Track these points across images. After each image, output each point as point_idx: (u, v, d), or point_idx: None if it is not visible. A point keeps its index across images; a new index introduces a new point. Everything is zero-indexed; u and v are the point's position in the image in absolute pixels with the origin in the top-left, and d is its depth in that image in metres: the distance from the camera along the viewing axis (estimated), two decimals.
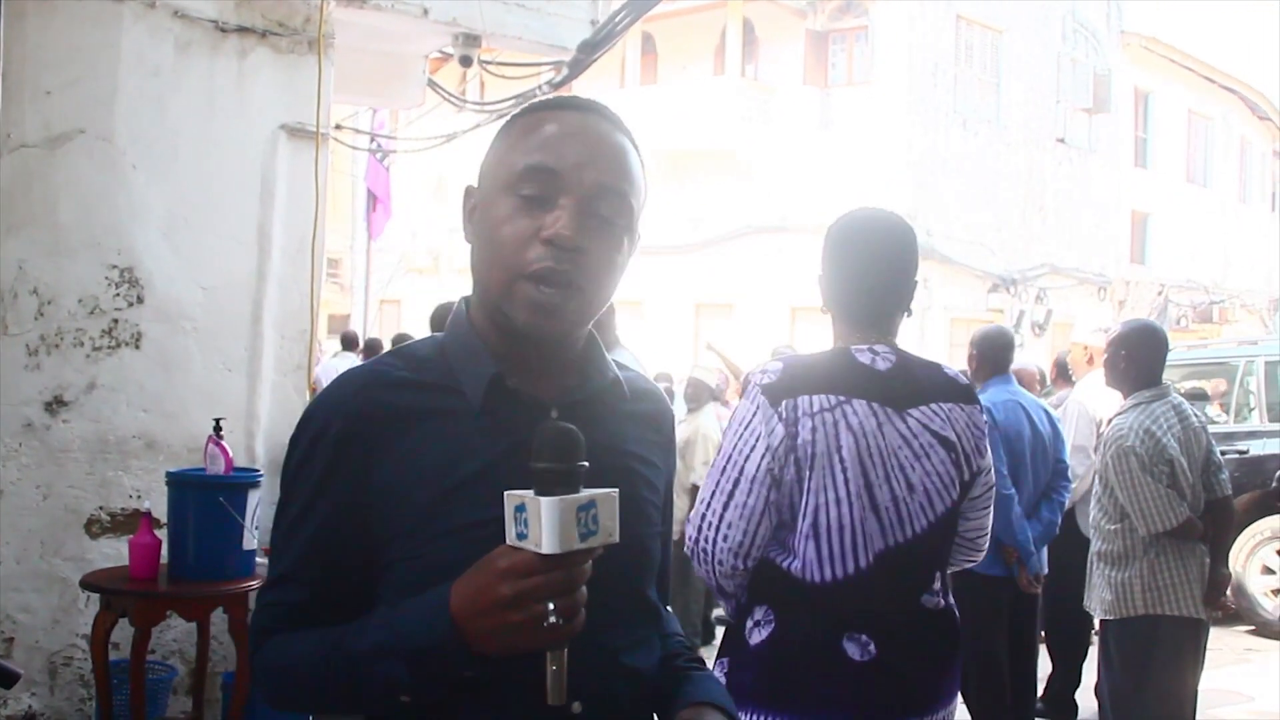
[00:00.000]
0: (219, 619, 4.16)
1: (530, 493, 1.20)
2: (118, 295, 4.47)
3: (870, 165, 16.62)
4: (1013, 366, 5.28)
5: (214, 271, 4.69)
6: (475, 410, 1.35)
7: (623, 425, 1.46)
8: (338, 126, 8.07)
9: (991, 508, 2.53)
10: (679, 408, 7.36)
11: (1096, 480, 4.35)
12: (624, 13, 5.92)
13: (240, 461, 4.39)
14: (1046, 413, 5.22)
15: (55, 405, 4.37)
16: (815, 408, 2.25)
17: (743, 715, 2.22)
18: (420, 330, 9.31)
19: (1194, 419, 4.21)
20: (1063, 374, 7.28)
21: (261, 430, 4.79)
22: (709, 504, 2.32)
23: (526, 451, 1.22)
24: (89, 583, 4.03)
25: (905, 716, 2.30)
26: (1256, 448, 8.46)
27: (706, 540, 2.31)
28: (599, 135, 1.36)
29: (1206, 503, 4.16)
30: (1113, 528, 4.18)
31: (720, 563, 2.30)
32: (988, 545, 2.57)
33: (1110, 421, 4.35)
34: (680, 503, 6.38)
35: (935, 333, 16.94)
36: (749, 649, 2.30)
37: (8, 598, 4.29)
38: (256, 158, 4.80)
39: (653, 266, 17.22)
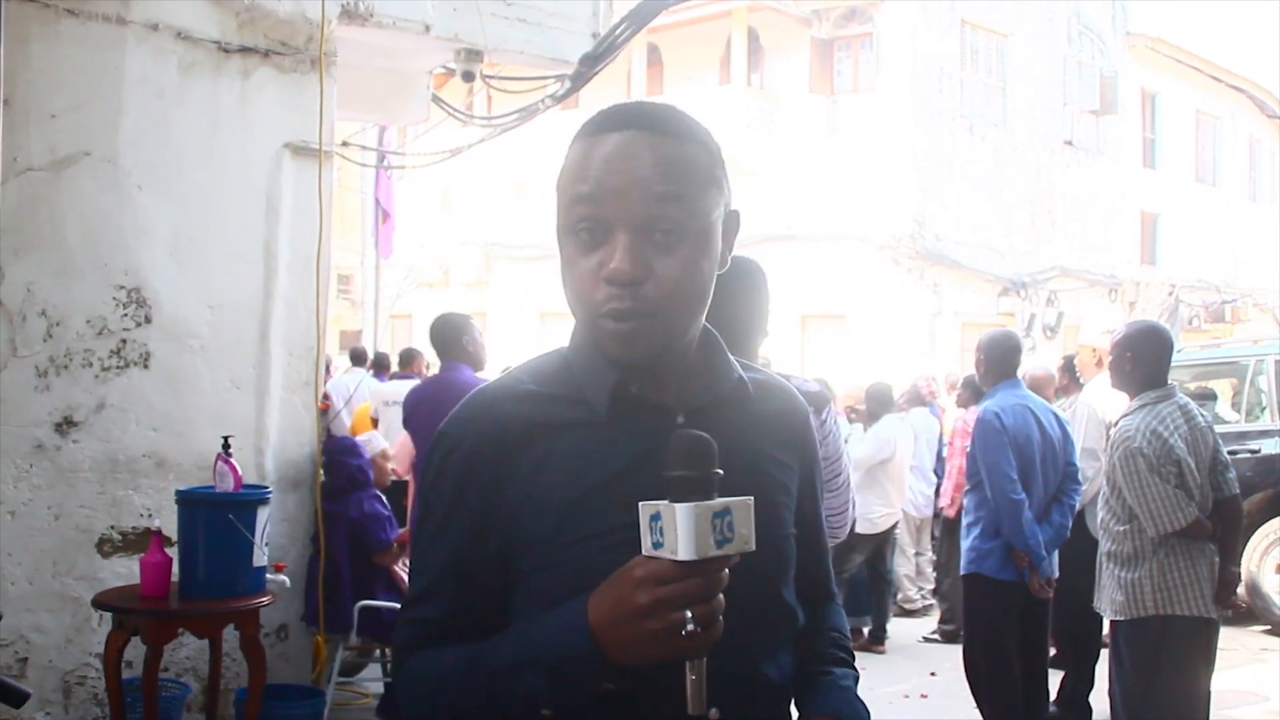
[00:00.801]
0: (231, 635, 4.18)
1: (665, 501, 1.20)
2: (125, 315, 4.51)
3: (877, 172, 16.62)
4: (1030, 370, 5.26)
5: (221, 290, 4.72)
6: (601, 419, 1.35)
7: (751, 426, 1.44)
8: (344, 143, 8.12)
9: None
10: None
11: (1104, 482, 4.34)
12: (625, 25, 5.94)
13: (249, 479, 4.42)
14: (1055, 416, 5.21)
15: (65, 426, 4.40)
16: None
17: None
18: (429, 344, 9.25)
19: (1200, 419, 4.20)
20: (1070, 377, 7.25)
21: (270, 447, 4.81)
22: None
23: (654, 459, 1.23)
24: (101, 602, 4.06)
25: None
26: (1269, 447, 8.41)
27: None
28: (637, 155, 1.32)
29: (1215, 502, 4.16)
30: (1121, 529, 4.17)
31: None
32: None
33: (1117, 423, 4.34)
34: None
35: (946, 338, 16.91)
36: None
37: (21, 618, 4.31)
38: (261, 176, 4.84)
39: None
